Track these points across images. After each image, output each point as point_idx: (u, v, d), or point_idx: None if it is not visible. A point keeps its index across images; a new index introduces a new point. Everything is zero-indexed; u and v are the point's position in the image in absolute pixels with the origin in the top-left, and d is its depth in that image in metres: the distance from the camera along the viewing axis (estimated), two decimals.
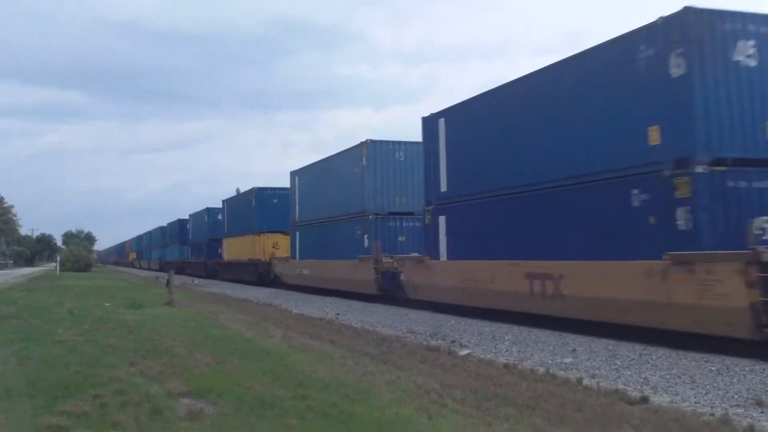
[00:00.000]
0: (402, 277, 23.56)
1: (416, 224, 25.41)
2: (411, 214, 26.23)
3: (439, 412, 7.54)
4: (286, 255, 38.08)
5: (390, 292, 24.58)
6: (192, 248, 65.75)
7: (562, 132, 15.87)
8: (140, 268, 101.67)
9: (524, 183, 17.07)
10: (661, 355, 12.01)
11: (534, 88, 17.11)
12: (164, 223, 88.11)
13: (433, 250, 21.39)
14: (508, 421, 7.34)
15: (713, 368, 10.73)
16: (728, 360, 11.13)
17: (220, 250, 53.09)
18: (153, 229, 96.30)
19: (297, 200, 35.77)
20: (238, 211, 47.77)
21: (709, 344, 12.08)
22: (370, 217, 26.52)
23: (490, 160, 18.73)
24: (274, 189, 42.66)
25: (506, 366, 11.62)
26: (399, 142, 27.38)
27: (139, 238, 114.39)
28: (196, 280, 49.70)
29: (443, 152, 21.00)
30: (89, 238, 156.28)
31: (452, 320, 18.59)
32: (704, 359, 11.38)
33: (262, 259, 40.93)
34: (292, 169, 37.86)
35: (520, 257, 16.88)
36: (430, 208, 21.67)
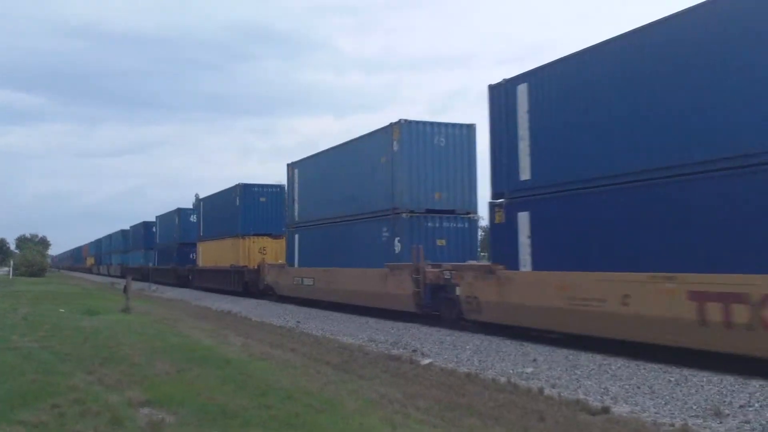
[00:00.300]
0: (458, 291, 18.25)
1: (458, 225, 21.95)
2: (452, 212, 21.99)
3: (404, 423, 7.52)
4: (279, 261, 33.31)
5: (433, 309, 20.01)
6: (159, 253, 60.18)
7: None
8: (98, 274, 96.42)
9: (664, 164, 12.47)
10: (620, 365, 12.13)
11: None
12: (122, 227, 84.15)
13: (507, 257, 16.30)
14: (472, 431, 7.34)
15: (672, 379, 10.87)
16: (686, 371, 11.28)
17: (193, 256, 48.28)
18: (114, 233, 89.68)
19: (296, 197, 30.25)
20: (218, 212, 42.18)
21: (668, 355, 12.24)
22: (404, 215, 21.40)
23: (605, 132, 13.95)
24: (262, 186, 37.92)
25: (468, 375, 11.66)
26: (439, 124, 22.27)
27: (98, 242, 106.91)
28: (154, 286, 49.05)
29: (525, 128, 15.94)
30: (43, 243, 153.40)
31: (413, 329, 18.58)
32: (663, 370, 11.51)
33: (249, 266, 35.79)
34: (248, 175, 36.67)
35: (651, 267, 12.42)
36: (503, 202, 16.67)
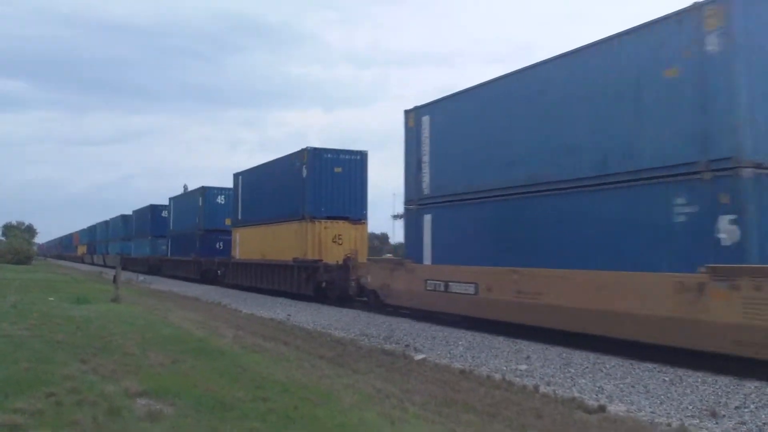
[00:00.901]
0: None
1: None
2: None
3: (402, 417, 7.50)
4: (387, 256, 29.12)
5: None
6: (174, 242, 50.80)
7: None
8: (92, 264, 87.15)
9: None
10: (614, 364, 12.15)
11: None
12: (111, 216, 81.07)
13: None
14: (470, 427, 7.35)
15: (666, 378, 10.89)
16: (680, 371, 11.31)
17: (219, 245, 40.18)
18: (112, 218, 79.61)
19: (426, 158, 19.96)
20: (269, 188, 32.29)
21: (661, 354, 12.27)
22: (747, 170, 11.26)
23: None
24: (337, 152, 28.59)
25: (462, 372, 11.67)
26: None
27: (92, 228, 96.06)
28: (141, 276, 48.52)
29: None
30: (30, 230, 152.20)
31: (404, 324, 18.56)
32: (657, 369, 11.54)
33: (325, 261, 26.63)
34: (235, 172, 33.73)
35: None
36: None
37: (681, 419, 8.66)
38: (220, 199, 41.80)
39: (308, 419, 7.09)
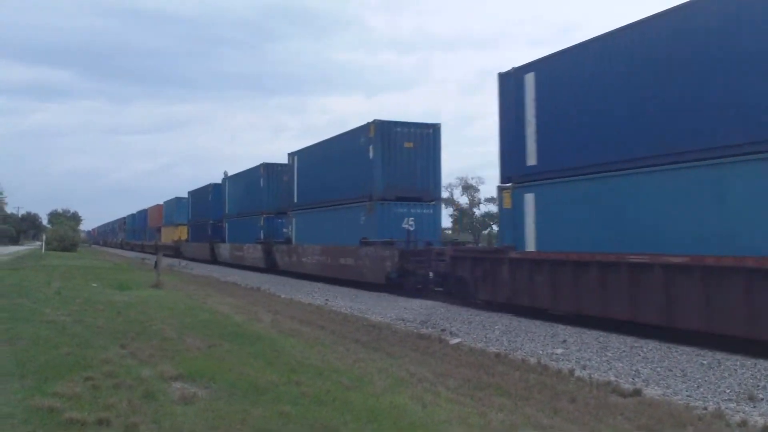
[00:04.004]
0: None
1: None
2: None
3: (434, 401, 7.51)
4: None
5: None
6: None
7: None
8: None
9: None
10: (651, 348, 12.03)
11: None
12: (153, 203, 77.14)
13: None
14: (502, 411, 7.32)
15: (704, 362, 10.76)
16: (719, 354, 11.16)
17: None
18: (200, 188, 57.96)
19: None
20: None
21: (700, 339, 12.11)
22: None
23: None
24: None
25: (497, 356, 11.63)
26: None
27: (171, 204, 70.83)
28: (183, 263, 48.49)
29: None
30: (75, 218, 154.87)
31: (441, 308, 18.57)
32: (695, 353, 11.40)
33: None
34: (290, 151, 32.57)
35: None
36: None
37: (718, 403, 8.55)
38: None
39: (340, 403, 7.13)
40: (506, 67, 17.97)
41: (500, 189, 18.08)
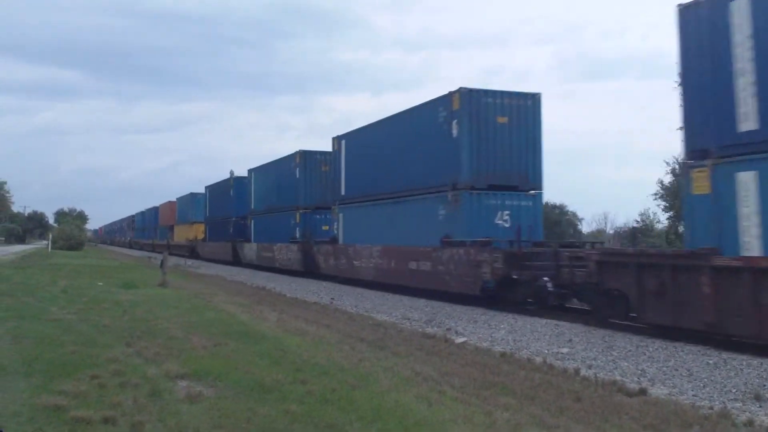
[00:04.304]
0: None
1: None
2: None
3: (439, 400, 7.51)
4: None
5: None
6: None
7: None
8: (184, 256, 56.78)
9: None
10: (657, 347, 12.01)
11: None
12: (158, 202, 76.09)
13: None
14: (507, 410, 7.31)
15: (710, 361, 10.74)
16: (725, 354, 11.14)
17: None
18: (219, 183, 52.83)
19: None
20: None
21: (706, 338, 12.09)
22: None
23: None
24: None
25: (503, 355, 11.62)
26: None
27: (182, 201, 66.50)
28: (189, 262, 48.50)
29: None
30: (81, 217, 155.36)
31: (446, 308, 18.56)
32: (701, 352, 11.38)
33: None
34: (291, 151, 31.02)
35: None
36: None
37: (724, 402, 8.53)
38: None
39: (345, 401, 7.13)
40: (515, 65, 17.14)
41: (687, 167, 13.16)
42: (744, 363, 10.47)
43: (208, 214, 55.34)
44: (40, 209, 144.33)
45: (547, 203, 33.02)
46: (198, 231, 58.80)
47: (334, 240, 29.57)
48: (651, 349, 11.92)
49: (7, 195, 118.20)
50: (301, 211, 33.84)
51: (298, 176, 33.94)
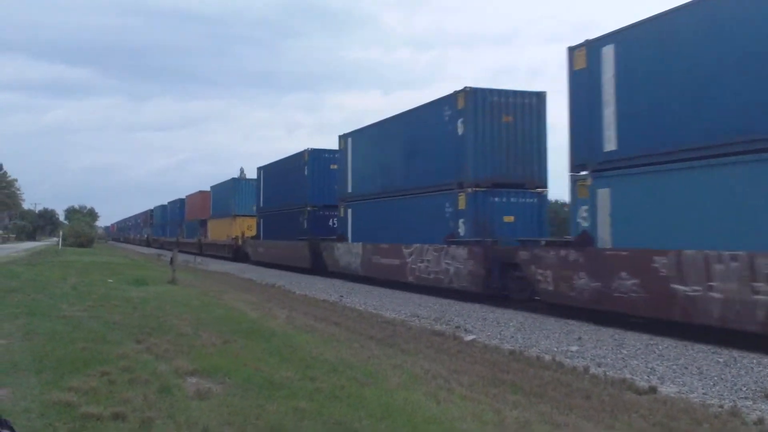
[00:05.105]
0: None
1: None
2: None
3: (448, 398, 7.50)
4: None
5: None
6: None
7: None
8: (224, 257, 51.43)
9: None
10: (667, 345, 11.98)
11: None
12: (167, 201, 77.07)
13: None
14: (516, 408, 7.30)
15: (721, 360, 10.70)
16: (736, 352, 11.10)
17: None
18: (217, 185, 52.98)
19: None
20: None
21: (716, 336, 12.05)
22: None
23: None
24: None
25: (512, 353, 11.61)
26: None
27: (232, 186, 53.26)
28: (198, 259, 48.17)
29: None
30: (91, 214, 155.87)
31: (456, 305, 18.55)
32: (711, 351, 11.35)
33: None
34: (299, 149, 31.18)
35: None
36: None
37: (734, 401, 8.49)
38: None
39: (354, 399, 7.14)
40: (523, 65, 17.67)
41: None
42: (755, 361, 10.43)
43: (262, 204, 44.35)
44: (50, 207, 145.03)
45: (556, 201, 32.60)
46: (244, 226, 49.29)
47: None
48: (661, 347, 11.89)
49: (18, 192, 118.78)
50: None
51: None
